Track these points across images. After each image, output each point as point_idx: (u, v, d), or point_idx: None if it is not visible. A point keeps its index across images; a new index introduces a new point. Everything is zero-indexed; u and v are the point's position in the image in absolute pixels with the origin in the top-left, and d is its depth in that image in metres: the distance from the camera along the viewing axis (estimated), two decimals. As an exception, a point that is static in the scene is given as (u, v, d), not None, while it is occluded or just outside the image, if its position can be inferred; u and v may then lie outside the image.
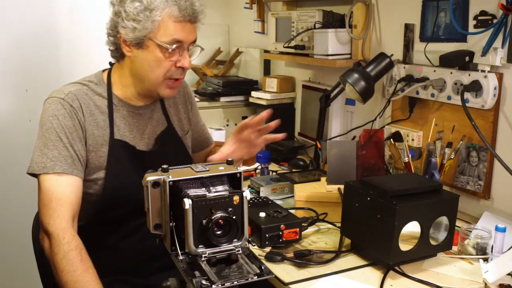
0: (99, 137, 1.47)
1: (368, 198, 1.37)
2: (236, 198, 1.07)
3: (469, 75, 1.67)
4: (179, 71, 1.48)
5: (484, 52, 1.61)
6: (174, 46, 1.42)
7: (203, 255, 1.05)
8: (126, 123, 1.52)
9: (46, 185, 1.37)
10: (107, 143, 1.47)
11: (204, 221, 1.04)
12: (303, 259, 1.42)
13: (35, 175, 1.40)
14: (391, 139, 1.85)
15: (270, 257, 1.41)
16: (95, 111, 1.48)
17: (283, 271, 1.37)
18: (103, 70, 1.57)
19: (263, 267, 1.04)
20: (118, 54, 1.50)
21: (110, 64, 1.58)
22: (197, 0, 1.44)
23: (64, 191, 1.37)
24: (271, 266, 1.37)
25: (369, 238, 1.39)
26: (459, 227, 1.49)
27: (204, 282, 1.00)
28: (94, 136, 1.46)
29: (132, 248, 1.51)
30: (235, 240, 1.08)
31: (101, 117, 1.48)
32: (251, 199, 1.59)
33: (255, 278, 1.02)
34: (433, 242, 1.39)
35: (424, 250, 1.39)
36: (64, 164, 1.39)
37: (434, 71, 1.80)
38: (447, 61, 1.71)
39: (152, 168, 1.16)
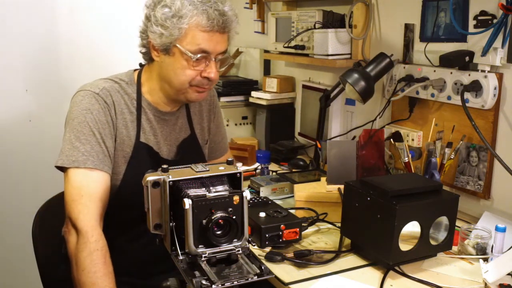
0: (125, 137, 1.46)
1: (368, 198, 1.37)
2: (236, 198, 1.07)
3: (469, 75, 1.67)
4: (205, 81, 1.45)
5: (484, 52, 1.61)
6: (199, 55, 1.39)
7: (203, 255, 1.05)
8: (152, 127, 1.51)
9: (77, 179, 1.35)
10: (132, 144, 1.47)
11: (204, 221, 1.04)
12: (303, 259, 1.42)
13: (63, 168, 1.38)
14: (391, 139, 1.85)
15: (270, 257, 1.41)
16: (125, 110, 1.47)
17: (283, 271, 1.37)
18: (134, 70, 1.55)
19: (263, 267, 1.04)
20: (147, 57, 1.49)
21: (140, 65, 1.56)
22: (231, 9, 1.41)
23: (95, 186, 1.36)
24: (271, 266, 1.37)
25: (369, 238, 1.39)
26: (459, 227, 1.49)
27: (204, 282, 1.00)
28: (122, 135, 1.46)
29: (138, 250, 1.50)
30: (235, 240, 1.08)
31: (129, 117, 1.47)
32: (251, 199, 1.59)
33: (255, 278, 1.02)
34: (433, 242, 1.39)
35: (424, 250, 1.39)
36: (96, 159, 1.37)
37: (434, 71, 1.80)
38: (447, 61, 1.71)
39: None
